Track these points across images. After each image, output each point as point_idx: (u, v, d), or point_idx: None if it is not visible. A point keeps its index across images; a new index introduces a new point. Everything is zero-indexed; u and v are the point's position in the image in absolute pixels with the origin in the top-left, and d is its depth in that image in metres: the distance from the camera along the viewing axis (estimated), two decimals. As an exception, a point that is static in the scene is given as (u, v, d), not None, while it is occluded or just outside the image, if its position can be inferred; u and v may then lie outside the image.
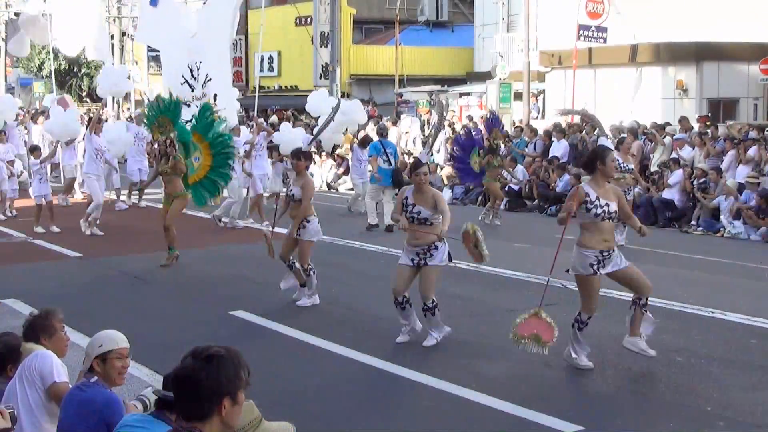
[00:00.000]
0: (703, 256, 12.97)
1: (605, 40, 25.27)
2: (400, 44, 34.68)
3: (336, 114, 15.87)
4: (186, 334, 8.01)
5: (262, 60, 38.60)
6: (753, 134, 17.34)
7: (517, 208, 18.96)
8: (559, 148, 19.84)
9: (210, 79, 15.58)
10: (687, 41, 23.71)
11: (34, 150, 16.16)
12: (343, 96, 32.79)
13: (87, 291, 10.47)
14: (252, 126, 17.08)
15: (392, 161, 15.43)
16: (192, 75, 15.29)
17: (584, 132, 20.35)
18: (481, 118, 20.70)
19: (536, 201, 19.00)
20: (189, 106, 14.54)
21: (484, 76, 31.28)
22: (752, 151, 16.24)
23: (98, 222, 14.63)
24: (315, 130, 17.02)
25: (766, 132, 17.55)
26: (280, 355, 7.82)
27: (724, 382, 6.94)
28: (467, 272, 11.40)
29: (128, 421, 3.74)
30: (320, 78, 32.44)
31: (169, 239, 11.76)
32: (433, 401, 6.55)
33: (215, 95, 15.77)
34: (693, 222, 15.97)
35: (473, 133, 17.09)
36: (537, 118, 27.38)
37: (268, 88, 38.83)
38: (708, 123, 19.20)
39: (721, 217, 15.48)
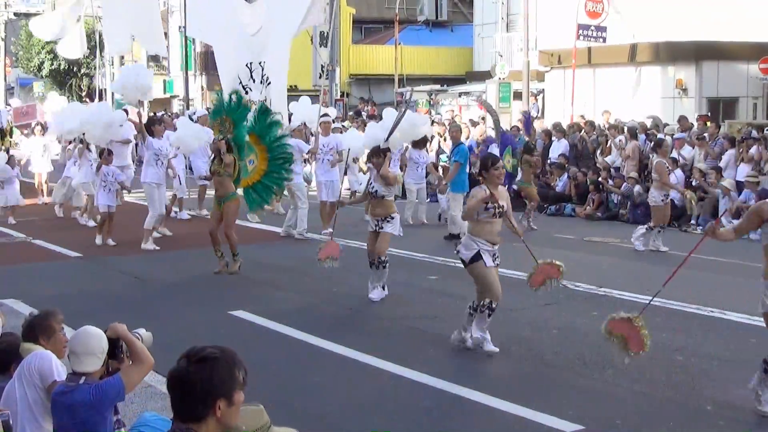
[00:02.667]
0: (702, 256, 12.93)
1: (605, 40, 25.26)
2: (399, 44, 34.68)
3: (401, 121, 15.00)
4: (186, 334, 8.02)
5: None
6: (754, 133, 17.35)
7: (516, 208, 18.93)
8: (559, 148, 19.85)
9: (270, 82, 14.01)
10: (686, 41, 23.71)
11: (101, 155, 14.22)
12: (342, 96, 32.81)
13: (87, 291, 10.48)
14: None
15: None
16: (251, 76, 13.84)
17: (583, 131, 20.38)
18: (519, 120, 19.73)
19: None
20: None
21: (484, 76, 31.28)
22: (754, 150, 16.25)
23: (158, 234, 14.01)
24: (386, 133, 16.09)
25: (765, 131, 17.54)
26: (280, 355, 7.82)
27: (724, 382, 6.95)
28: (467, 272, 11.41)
29: (146, 420, 3.77)
30: (319, 78, 32.41)
31: (231, 244, 11.41)
32: (434, 400, 6.55)
33: (270, 99, 14.22)
34: (692, 221, 15.96)
35: (504, 132, 16.44)
36: (536, 117, 27.38)
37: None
38: (707, 123, 19.20)
39: (721, 218, 15.47)
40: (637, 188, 17.07)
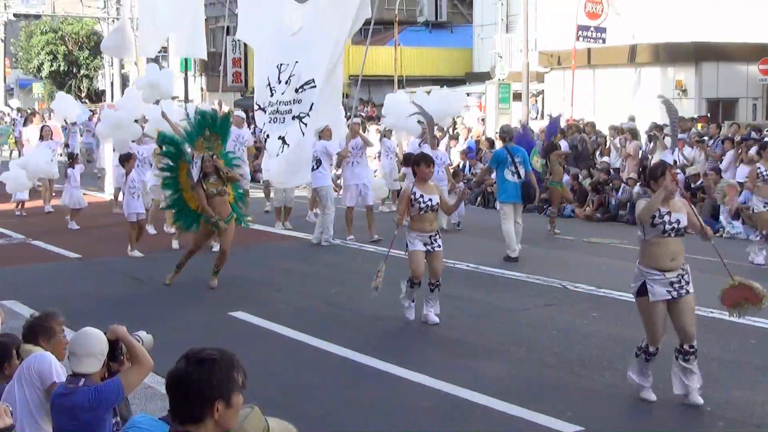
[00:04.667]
0: (702, 256, 12.94)
1: (604, 41, 25.27)
2: (399, 45, 34.68)
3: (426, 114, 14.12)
4: (185, 335, 8.02)
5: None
6: (754, 134, 17.35)
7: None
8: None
9: (313, 85, 12.84)
10: (686, 41, 23.72)
11: (127, 160, 13.02)
12: (344, 96, 32.76)
13: (86, 292, 10.47)
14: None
15: (522, 172, 12.31)
16: (279, 77, 13.01)
17: (583, 132, 20.37)
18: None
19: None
20: (265, 112, 12.97)
21: (484, 77, 31.28)
22: (753, 151, 16.24)
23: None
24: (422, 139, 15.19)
25: (765, 132, 17.54)
26: (279, 356, 7.82)
27: (724, 382, 6.95)
28: (467, 272, 11.41)
29: (137, 422, 3.76)
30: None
31: (223, 262, 10.59)
32: (433, 401, 6.55)
33: (311, 104, 12.96)
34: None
35: (526, 132, 15.86)
36: (536, 118, 27.39)
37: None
38: (708, 123, 19.21)
39: (720, 217, 15.48)
40: (637, 189, 17.07)
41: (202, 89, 42.75)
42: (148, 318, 9.05)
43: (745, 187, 15.40)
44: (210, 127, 10.54)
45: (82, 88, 47.78)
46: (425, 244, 8.64)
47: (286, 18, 13.25)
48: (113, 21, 45.13)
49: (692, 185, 16.50)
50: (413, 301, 8.85)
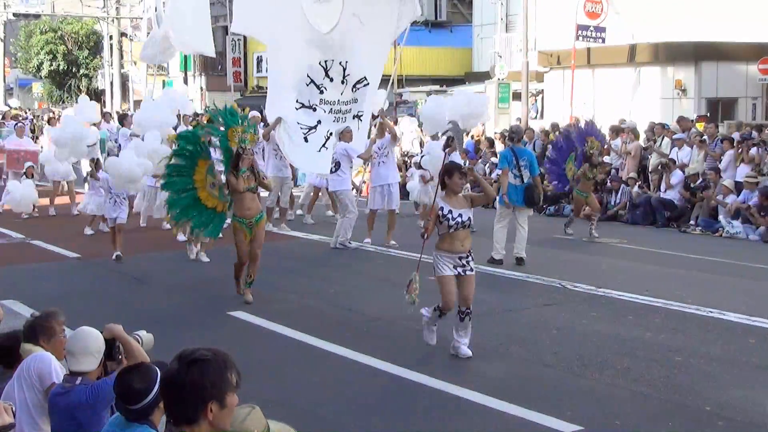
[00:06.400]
0: (701, 256, 12.98)
1: (604, 40, 25.28)
2: (398, 44, 34.68)
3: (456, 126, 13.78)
4: (185, 334, 8.02)
5: (261, 60, 38.56)
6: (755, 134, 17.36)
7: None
8: (559, 148, 19.84)
9: (366, 83, 12.94)
10: (685, 41, 23.73)
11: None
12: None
13: (86, 292, 10.47)
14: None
15: (525, 175, 12.05)
16: (326, 74, 12.78)
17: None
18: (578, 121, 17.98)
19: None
20: (315, 110, 12.80)
21: (483, 76, 31.29)
22: (754, 151, 16.26)
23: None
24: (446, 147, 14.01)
25: (765, 131, 17.54)
26: (279, 356, 7.82)
27: (723, 382, 6.95)
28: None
29: (109, 428, 3.76)
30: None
31: (256, 269, 9.86)
32: (433, 401, 6.55)
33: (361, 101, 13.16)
34: (692, 222, 15.97)
35: (572, 137, 15.34)
36: (536, 118, 27.40)
37: (267, 88, 38.76)
38: (707, 123, 19.21)
39: (720, 217, 15.49)
40: (636, 189, 17.08)
41: (201, 88, 42.73)
42: (148, 318, 9.05)
43: (744, 187, 15.42)
44: (243, 121, 9.89)
45: (81, 87, 47.75)
46: (455, 267, 7.49)
47: (314, 15, 12.90)
48: (113, 21, 45.18)
49: (692, 185, 16.51)
50: (436, 326, 7.83)
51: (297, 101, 12.91)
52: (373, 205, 13.67)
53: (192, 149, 9.96)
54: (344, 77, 12.78)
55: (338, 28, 12.84)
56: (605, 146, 17.30)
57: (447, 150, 14.52)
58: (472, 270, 7.56)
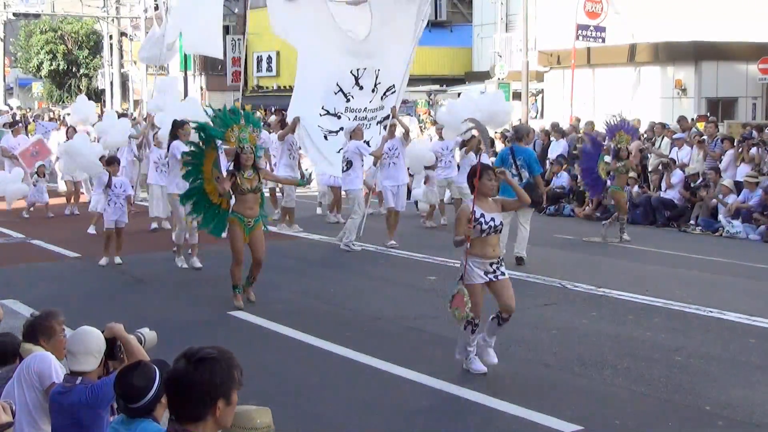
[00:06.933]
0: (701, 256, 12.98)
1: (604, 40, 25.29)
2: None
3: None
4: (185, 334, 8.01)
5: (261, 60, 38.60)
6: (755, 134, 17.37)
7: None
8: (558, 148, 19.85)
9: (394, 91, 13.08)
10: (685, 41, 23.74)
11: (110, 164, 12.32)
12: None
13: (86, 291, 10.47)
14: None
15: (523, 175, 11.77)
16: (356, 83, 12.84)
17: (582, 132, 20.36)
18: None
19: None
20: (339, 118, 12.83)
21: (483, 76, 31.31)
22: (754, 150, 16.26)
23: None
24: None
25: (766, 131, 17.54)
26: (279, 355, 7.82)
27: (723, 382, 6.95)
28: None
29: (113, 425, 3.77)
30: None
31: (257, 273, 9.68)
32: (433, 401, 6.55)
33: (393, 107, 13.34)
34: (692, 221, 15.97)
35: (598, 139, 15.20)
36: (536, 117, 27.41)
37: (267, 88, 38.82)
38: (707, 123, 19.21)
39: (720, 217, 15.48)
40: (636, 189, 17.07)
41: (201, 88, 42.74)
42: (148, 318, 9.05)
43: (744, 186, 15.42)
44: (246, 119, 9.48)
45: (81, 87, 47.77)
46: (486, 273, 7.07)
47: (347, 23, 13.01)
48: (113, 20, 45.17)
49: (692, 184, 16.51)
50: (473, 348, 7.17)
51: (322, 108, 13.04)
52: (390, 204, 13.54)
53: (204, 137, 9.58)
54: (375, 85, 12.92)
55: (374, 36, 12.95)
56: (638, 139, 16.43)
57: (464, 150, 14.50)
58: (504, 274, 7.16)
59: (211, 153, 9.55)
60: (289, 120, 14.17)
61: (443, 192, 16.13)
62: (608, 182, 14.33)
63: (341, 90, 12.90)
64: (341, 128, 13.12)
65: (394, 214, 13.58)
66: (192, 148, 9.67)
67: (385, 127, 13.56)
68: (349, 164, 13.09)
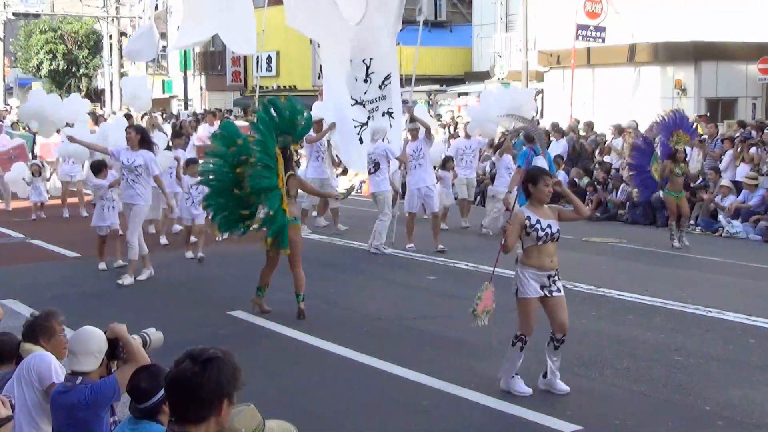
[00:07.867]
0: (701, 256, 12.98)
1: (603, 40, 25.29)
2: (398, 44, 34.66)
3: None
4: (185, 334, 8.01)
5: (261, 60, 38.52)
6: (755, 134, 17.37)
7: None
8: (558, 148, 19.85)
9: (390, 81, 12.74)
10: (685, 41, 23.73)
11: (99, 169, 11.84)
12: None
13: (85, 291, 10.47)
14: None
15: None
16: (367, 73, 12.53)
17: (581, 132, 20.39)
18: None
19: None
20: (364, 106, 12.65)
21: (483, 76, 31.31)
22: (754, 151, 16.26)
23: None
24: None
25: (766, 131, 17.54)
26: (279, 355, 7.82)
27: (723, 382, 6.95)
28: (467, 272, 11.42)
29: (122, 425, 3.79)
30: (318, 78, 32.42)
31: (300, 283, 9.30)
32: (433, 401, 6.55)
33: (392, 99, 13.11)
34: (692, 221, 15.97)
35: (652, 134, 14.46)
36: (535, 117, 27.38)
37: (267, 88, 38.81)
38: (707, 122, 19.22)
39: (720, 217, 15.48)
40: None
41: (201, 88, 42.75)
42: (148, 318, 9.04)
43: (744, 187, 15.41)
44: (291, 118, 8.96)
45: (81, 87, 47.78)
46: (542, 287, 6.52)
47: (345, 7, 12.72)
48: (113, 20, 45.17)
49: (692, 185, 16.50)
50: (517, 372, 6.67)
51: (351, 97, 12.87)
52: (410, 207, 13.23)
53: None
54: (367, 75, 12.63)
55: (366, 24, 12.68)
56: (696, 140, 15.65)
57: (497, 153, 14.29)
58: (559, 291, 6.57)
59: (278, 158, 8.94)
60: (324, 116, 13.76)
61: (463, 191, 15.86)
62: (663, 184, 13.52)
63: (357, 79, 12.62)
64: (369, 118, 12.82)
65: (433, 217, 13.19)
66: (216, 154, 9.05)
67: (393, 117, 13.12)
68: (376, 166, 12.90)
